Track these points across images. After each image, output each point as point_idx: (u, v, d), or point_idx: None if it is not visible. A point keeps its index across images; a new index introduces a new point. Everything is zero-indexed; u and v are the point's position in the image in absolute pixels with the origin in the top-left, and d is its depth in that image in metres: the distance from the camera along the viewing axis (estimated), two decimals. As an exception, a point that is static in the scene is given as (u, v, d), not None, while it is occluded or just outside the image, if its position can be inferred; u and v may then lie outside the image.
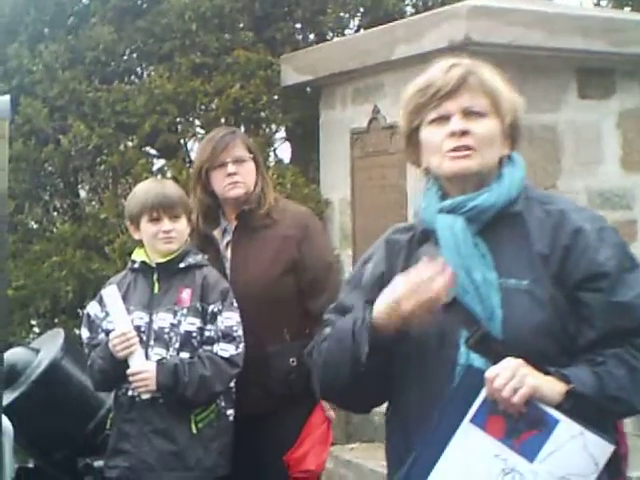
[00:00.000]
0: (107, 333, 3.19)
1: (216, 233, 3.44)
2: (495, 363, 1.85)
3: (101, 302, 3.24)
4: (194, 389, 3.08)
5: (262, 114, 6.42)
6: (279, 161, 6.71)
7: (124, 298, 3.20)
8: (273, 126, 6.65)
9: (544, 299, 1.88)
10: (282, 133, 6.77)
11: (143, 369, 3.08)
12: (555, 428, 1.79)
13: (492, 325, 1.88)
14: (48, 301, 6.11)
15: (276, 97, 6.42)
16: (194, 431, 3.12)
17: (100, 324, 3.24)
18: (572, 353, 1.89)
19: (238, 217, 3.41)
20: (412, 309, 1.87)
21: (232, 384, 3.21)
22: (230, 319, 3.16)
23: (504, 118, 1.98)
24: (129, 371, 3.10)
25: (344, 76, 6.03)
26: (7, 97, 2.90)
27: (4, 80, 6.47)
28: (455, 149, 1.95)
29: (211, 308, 3.16)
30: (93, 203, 6.56)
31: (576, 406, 1.81)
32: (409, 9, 7.08)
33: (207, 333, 3.16)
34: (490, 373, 1.83)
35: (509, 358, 1.84)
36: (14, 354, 3.82)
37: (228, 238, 3.43)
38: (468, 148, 1.95)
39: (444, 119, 1.98)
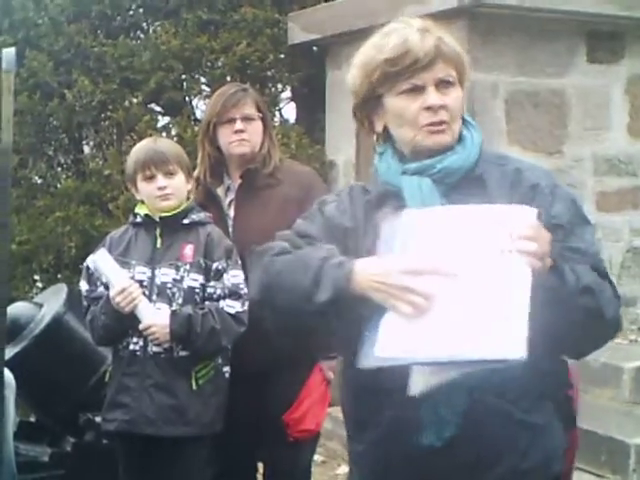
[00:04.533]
0: (107, 287, 3.17)
1: (219, 191, 3.43)
2: None
3: (95, 265, 3.19)
4: (204, 340, 3.09)
5: (268, 73, 6.37)
6: (284, 121, 6.67)
7: (125, 252, 3.20)
8: (279, 85, 6.59)
9: None
10: (288, 93, 6.72)
11: (156, 322, 3.08)
12: None
13: None
14: (51, 256, 6.12)
15: (283, 56, 6.36)
16: (194, 387, 3.13)
17: (99, 277, 3.22)
18: None
19: (242, 176, 3.39)
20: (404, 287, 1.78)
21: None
22: (237, 277, 3.16)
23: (464, 85, 2.00)
24: (142, 325, 3.09)
25: (351, 36, 5.97)
26: (12, 49, 2.88)
27: (10, 33, 6.43)
28: (432, 124, 1.95)
29: (215, 265, 3.16)
30: (97, 159, 6.53)
31: (555, 287, 1.80)
32: (419, -31, 7.00)
33: (210, 290, 3.15)
34: None
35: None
36: (17, 308, 3.84)
37: (231, 197, 3.42)
38: (444, 122, 1.96)
39: (417, 90, 1.94)
